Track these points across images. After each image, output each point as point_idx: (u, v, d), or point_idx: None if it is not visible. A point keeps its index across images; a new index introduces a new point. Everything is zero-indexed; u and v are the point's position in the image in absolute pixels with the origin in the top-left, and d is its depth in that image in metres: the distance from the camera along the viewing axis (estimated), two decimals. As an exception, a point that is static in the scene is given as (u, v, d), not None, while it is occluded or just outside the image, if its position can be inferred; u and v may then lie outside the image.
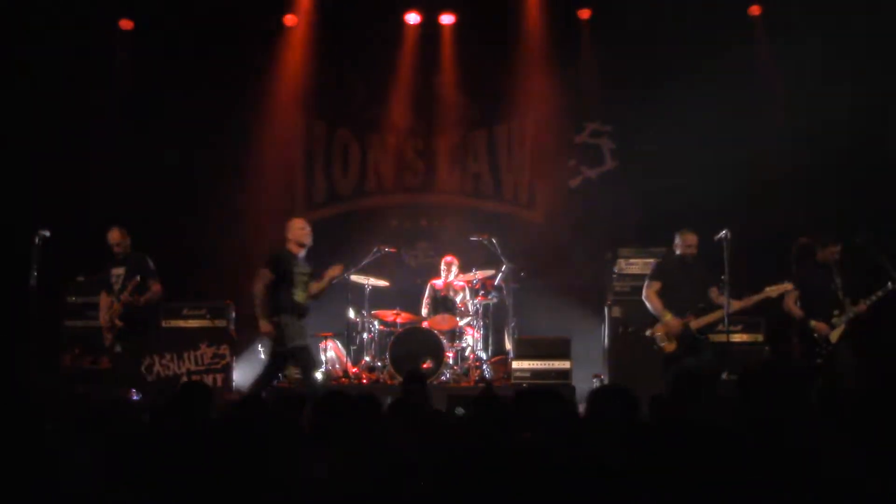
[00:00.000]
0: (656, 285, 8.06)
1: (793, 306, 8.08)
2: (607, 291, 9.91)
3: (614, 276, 9.83)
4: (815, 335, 8.01)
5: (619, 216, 10.73)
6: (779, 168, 10.29)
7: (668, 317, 7.86)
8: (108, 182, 10.42)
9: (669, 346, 7.90)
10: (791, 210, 9.96)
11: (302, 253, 8.00)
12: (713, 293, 7.94)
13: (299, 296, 7.92)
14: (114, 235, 8.77)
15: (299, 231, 7.94)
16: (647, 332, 7.96)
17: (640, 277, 9.05)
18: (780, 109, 10.37)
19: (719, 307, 7.80)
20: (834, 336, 7.98)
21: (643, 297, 8.08)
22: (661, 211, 10.09)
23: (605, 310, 9.92)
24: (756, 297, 7.83)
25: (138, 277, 8.44)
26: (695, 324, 7.89)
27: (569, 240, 10.85)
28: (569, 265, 10.63)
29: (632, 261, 9.85)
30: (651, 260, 9.29)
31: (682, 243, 8.02)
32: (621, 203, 10.87)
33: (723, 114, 10.19)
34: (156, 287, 8.65)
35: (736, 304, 7.77)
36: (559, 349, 9.65)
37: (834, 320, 7.93)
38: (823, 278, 8.08)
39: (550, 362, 9.56)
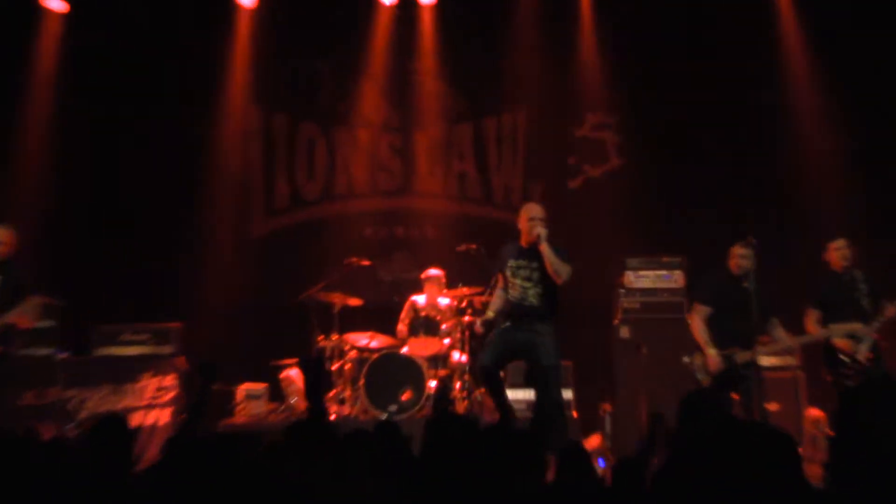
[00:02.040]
0: (704, 310, 7.44)
1: (812, 326, 7.61)
2: (614, 308, 9.23)
3: (622, 291, 9.16)
4: (840, 356, 7.57)
5: (627, 222, 10.15)
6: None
7: (711, 351, 7.26)
8: (32, 183, 9.88)
9: (705, 382, 7.37)
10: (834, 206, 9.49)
11: None
12: (776, 326, 7.48)
13: None
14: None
15: None
16: (685, 359, 7.39)
17: (652, 292, 8.88)
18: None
19: (786, 341, 7.52)
20: (862, 352, 7.48)
21: (690, 324, 7.52)
22: (676, 215, 9.85)
23: (613, 330, 9.19)
24: (818, 335, 7.52)
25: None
26: (740, 357, 7.27)
27: (572, 249, 9.70)
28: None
29: (641, 273, 9.22)
30: (664, 272, 9.04)
31: (736, 255, 7.41)
32: (629, 206, 10.33)
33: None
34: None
35: (792, 341, 7.59)
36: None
37: (859, 333, 7.43)
38: (842, 286, 7.65)
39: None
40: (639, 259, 9.30)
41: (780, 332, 7.37)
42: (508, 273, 6.89)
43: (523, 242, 6.93)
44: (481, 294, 9.07)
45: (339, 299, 9.34)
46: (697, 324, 7.37)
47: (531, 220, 6.75)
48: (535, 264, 6.83)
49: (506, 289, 7.01)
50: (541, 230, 6.72)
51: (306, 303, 9.07)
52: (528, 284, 6.78)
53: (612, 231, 10.07)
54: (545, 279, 6.74)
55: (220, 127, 10.65)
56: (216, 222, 10.44)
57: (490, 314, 7.25)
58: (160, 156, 10.36)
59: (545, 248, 6.72)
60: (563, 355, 8.35)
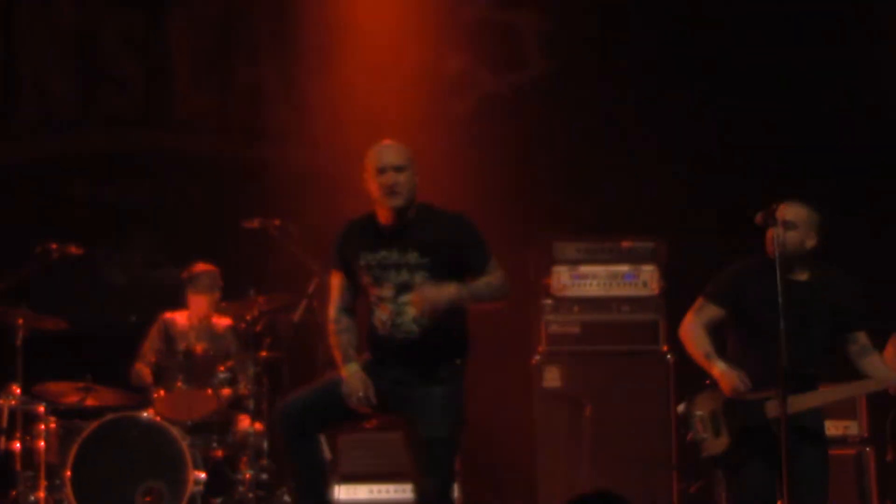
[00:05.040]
0: (710, 311, 6.11)
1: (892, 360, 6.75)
2: (533, 335, 7.85)
3: (547, 303, 7.77)
4: None
5: (558, 176, 8.63)
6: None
7: (720, 366, 5.93)
8: None
9: (717, 443, 6.05)
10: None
11: None
12: (865, 351, 6.10)
13: None
14: None
15: None
16: (681, 408, 6.21)
17: (602, 305, 7.74)
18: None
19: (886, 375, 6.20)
20: None
21: (680, 334, 6.19)
22: (647, 164, 8.49)
23: (531, 373, 7.82)
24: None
25: None
26: (775, 408, 5.92)
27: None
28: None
29: (583, 270, 7.79)
30: (624, 267, 7.76)
31: (778, 230, 5.90)
32: (562, 148, 8.76)
33: None
34: None
35: (860, 387, 6.35)
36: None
37: None
38: None
39: (403, 485, 7.56)
40: (577, 244, 7.91)
41: (874, 363, 6.10)
42: (367, 278, 5.56)
43: (382, 218, 5.51)
44: (291, 309, 7.80)
45: (24, 319, 7.71)
46: (691, 327, 6.16)
47: (381, 171, 5.41)
48: (412, 256, 5.46)
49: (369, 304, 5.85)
50: (433, 298, 5.47)
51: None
52: (403, 296, 5.50)
53: (528, 193, 8.61)
54: (440, 283, 5.53)
55: None
56: None
57: (352, 364, 5.78)
58: None
59: (459, 298, 5.55)
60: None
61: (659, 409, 7.24)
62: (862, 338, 5.99)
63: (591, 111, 8.83)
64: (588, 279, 7.78)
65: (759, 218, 5.70)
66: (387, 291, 5.48)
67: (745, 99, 8.71)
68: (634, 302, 7.68)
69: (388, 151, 5.42)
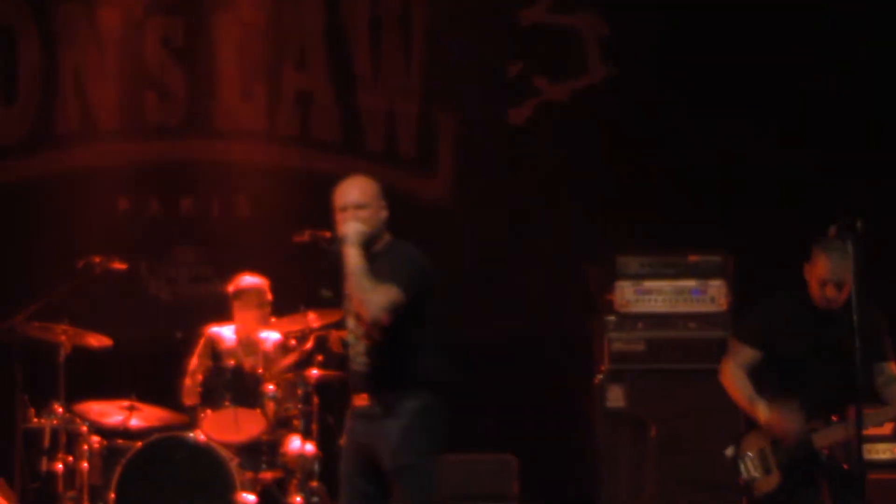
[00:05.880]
0: (746, 354, 6.12)
1: None
2: (595, 353, 7.78)
3: (610, 320, 7.65)
4: None
5: (620, 188, 8.56)
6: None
7: (762, 408, 5.98)
8: None
9: (768, 481, 6.06)
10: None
11: None
12: (886, 387, 6.20)
13: None
14: None
15: None
16: (728, 452, 6.17)
17: (668, 322, 7.60)
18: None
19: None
20: None
21: (721, 381, 6.25)
22: (715, 177, 8.43)
23: (594, 393, 7.78)
24: None
25: None
26: (824, 439, 5.97)
27: (506, 238, 8.82)
28: (508, 294, 8.71)
29: (647, 285, 7.69)
30: (691, 283, 7.65)
31: (817, 271, 6.05)
32: (624, 159, 8.59)
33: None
34: None
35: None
36: (492, 481, 7.84)
37: None
38: None
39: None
40: (641, 258, 7.82)
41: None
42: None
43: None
44: (343, 326, 6.79)
45: (66, 336, 7.59)
46: (730, 373, 6.26)
47: (342, 210, 5.54)
48: None
49: None
50: (354, 228, 5.57)
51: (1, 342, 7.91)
52: (357, 331, 5.71)
53: (589, 204, 8.55)
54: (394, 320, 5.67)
55: None
56: None
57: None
58: None
59: (349, 256, 5.59)
60: (506, 440, 8.14)
61: (727, 430, 6.67)
62: (888, 369, 6.03)
63: (653, 119, 8.72)
64: (653, 295, 7.66)
65: (833, 231, 5.60)
66: (350, 322, 5.60)
67: (816, 103, 8.61)
68: (701, 318, 7.54)
69: (348, 189, 5.48)
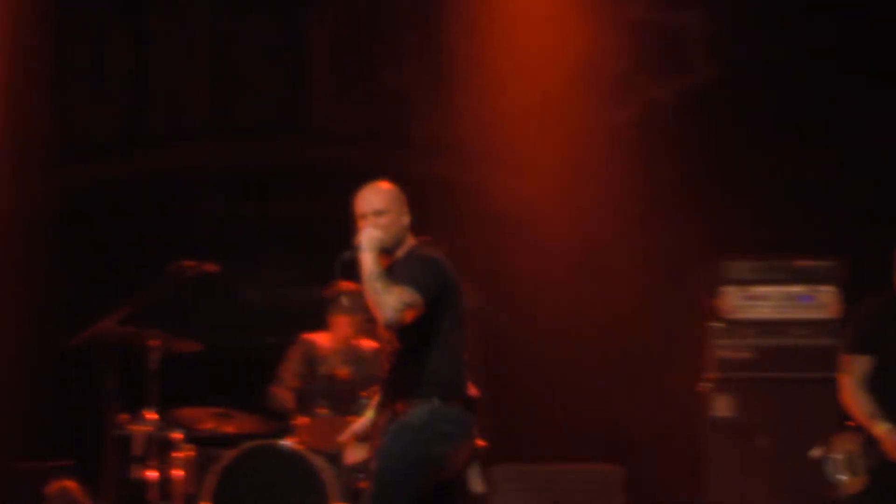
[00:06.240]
0: (861, 363, 6.33)
1: None
2: (702, 360, 7.69)
3: (717, 326, 7.70)
4: None
5: (727, 192, 8.50)
6: None
7: (882, 428, 6.05)
8: None
9: (855, 482, 6.27)
10: None
11: None
12: None
13: None
14: None
15: None
16: (814, 453, 6.42)
17: (777, 328, 7.66)
18: None
19: None
20: None
21: (842, 400, 6.36)
22: (825, 181, 8.33)
23: (700, 401, 7.74)
24: None
25: None
26: None
27: (612, 243, 8.67)
28: (610, 299, 8.62)
29: (755, 291, 7.71)
30: (800, 289, 7.69)
31: None
32: (731, 161, 8.64)
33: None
34: None
35: None
36: (598, 492, 7.98)
37: None
38: None
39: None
40: (750, 264, 7.83)
41: None
42: None
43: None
44: None
45: (158, 342, 7.64)
46: (850, 390, 6.35)
47: (362, 217, 5.60)
48: None
49: None
50: (368, 234, 5.57)
51: (90, 347, 7.64)
52: (382, 339, 5.85)
53: (694, 207, 8.29)
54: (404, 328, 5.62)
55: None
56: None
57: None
58: None
59: (363, 262, 5.54)
60: (608, 450, 8.35)
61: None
62: None
63: (760, 119, 8.62)
64: (761, 301, 7.64)
65: None
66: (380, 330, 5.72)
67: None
68: (812, 325, 7.54)
69: (368, 196, 5.56)
